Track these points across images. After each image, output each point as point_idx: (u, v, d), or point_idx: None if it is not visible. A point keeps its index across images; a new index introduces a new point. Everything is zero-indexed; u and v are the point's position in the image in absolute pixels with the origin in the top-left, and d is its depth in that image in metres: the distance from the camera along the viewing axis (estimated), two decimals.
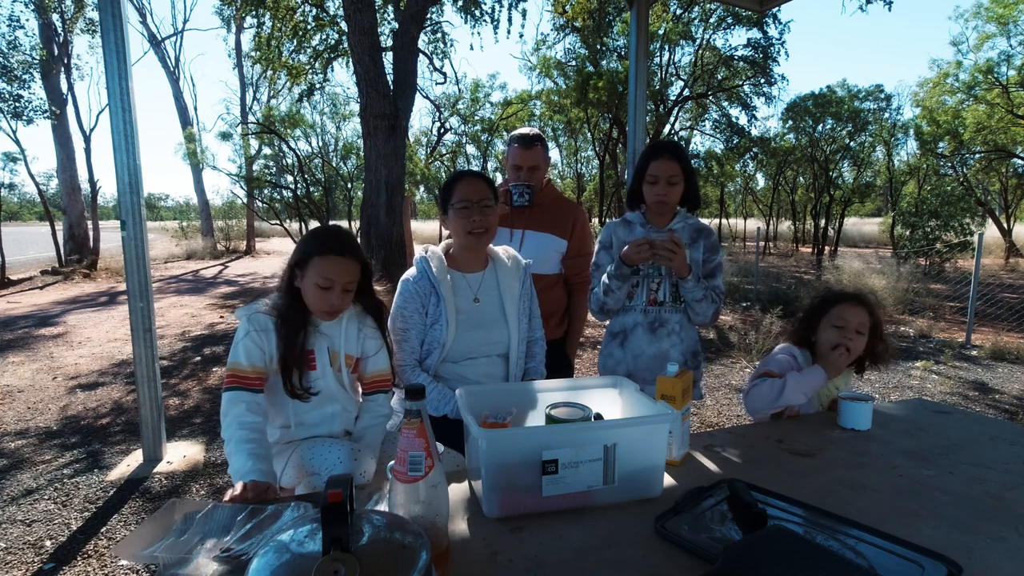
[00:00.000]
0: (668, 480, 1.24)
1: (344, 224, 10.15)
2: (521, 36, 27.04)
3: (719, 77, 14.74)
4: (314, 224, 9.88)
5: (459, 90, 14.82)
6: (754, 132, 16.00)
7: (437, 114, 14.40)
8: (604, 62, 13.20)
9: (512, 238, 2.25)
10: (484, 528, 1.07)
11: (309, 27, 8.85)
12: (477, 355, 1.71)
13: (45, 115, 11.75)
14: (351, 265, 1.47)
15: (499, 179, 1.99)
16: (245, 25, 14.93)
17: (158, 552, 0.93)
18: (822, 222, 18.41)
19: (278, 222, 10.41)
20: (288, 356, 1.46)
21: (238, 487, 1.21)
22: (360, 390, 1.68)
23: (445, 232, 1.79)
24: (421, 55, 7.97)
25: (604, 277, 1.90)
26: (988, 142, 14.99)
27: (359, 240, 7.06)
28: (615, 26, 12.80)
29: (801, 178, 21.14)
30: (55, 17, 12.58)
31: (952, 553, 0.95)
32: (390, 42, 7.05)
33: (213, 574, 0.90)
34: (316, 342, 1.52)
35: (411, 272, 1.70)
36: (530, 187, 2.20)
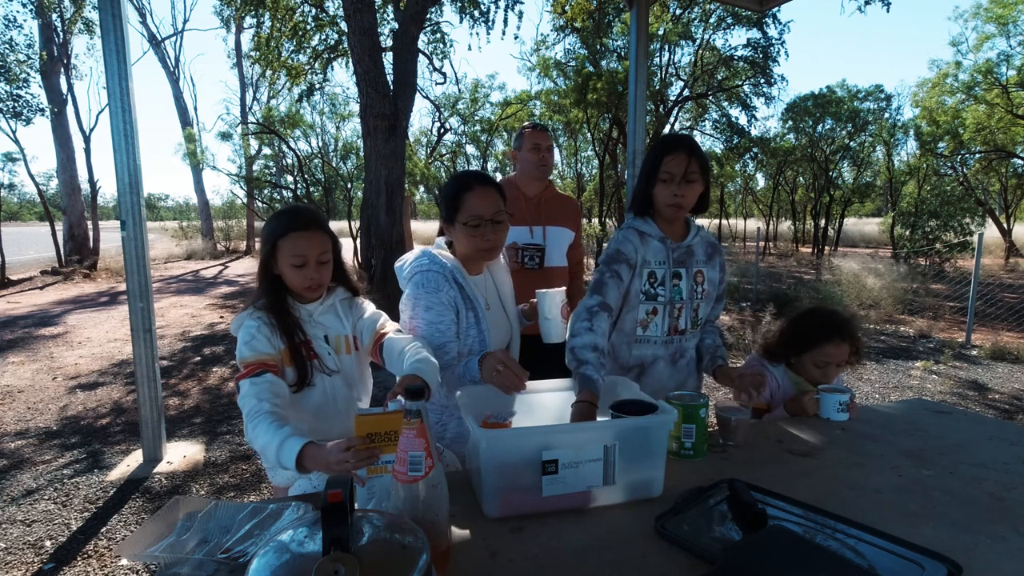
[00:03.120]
0: (668, 480, 1.23)
1: (344, 224, 10.12)
2: (516, 37, 27.05)
3: (719, 77, 14.74)
4: None
5: (459, 90, 14.84)
6: (754, 132, 16.00)
7: (437, 114, 14.40)
8: (604, 62, 13.19)
9: (533, 235, 2.37)
10: (484, 528, 1.07)
11: (309, 27, 8.85)
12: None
13: (43, 113, 11.74)
14: (317, 236, 1.45)
15: (498, 178, 1.98)
16: (245, 25, 14.92)
17: (159, 552, 0.93)
18: (822, 222, 18.42)
19: None
20: (296, 341, 1.46)
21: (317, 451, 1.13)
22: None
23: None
24: (421, 55, 7.97)
25: (579, 358, 1.48)
26: (988, 142, 14.98)
27: (359, 240, 7.05)
28: (615, 27, 12.80)
29: (801, 178, 21.14)
30: (54, 17, 12.58)
31: (952, 553, 0.95)
32: (390, 42, 7.04)
33: (213, 574, 0.90)
34: (312, 332, 1.51)
35: (423, 279, 1.51)
36: (540, 251, 2.37)
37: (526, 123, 2.52)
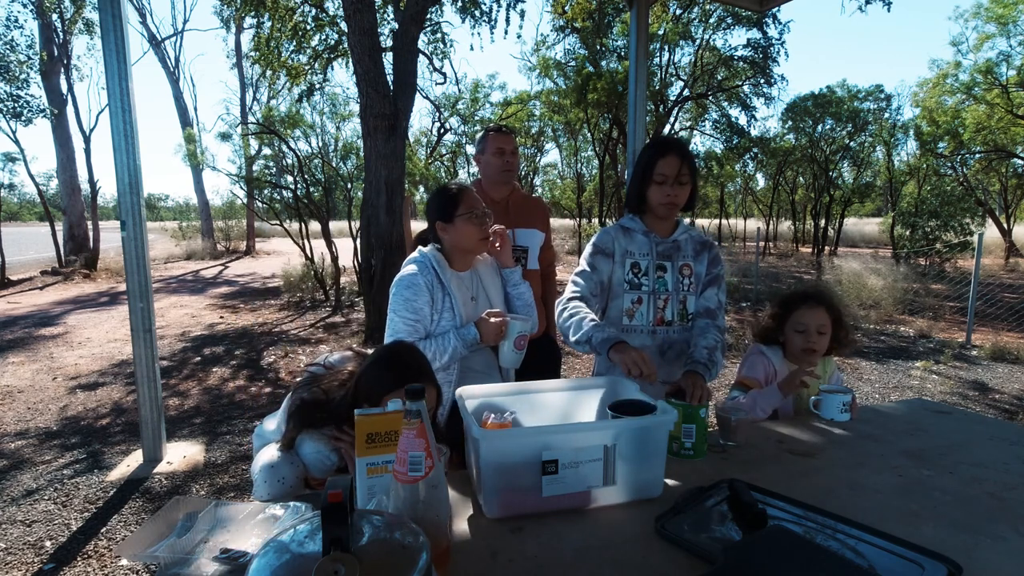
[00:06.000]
0: (668, 480, 1.24)
1: (344, 224, 10.13)
2: (519, 36, 26.98)
3: (719, 77, 14.73)
4: (314, 224, 9.85)
5: (459, 90, 14.80)
6: (754, 132, 15.99)
7: (437, 114, 14.37)
8: (604, 62, 13.19)
9: None
10: (484, 528, 1.07)
11: (309, 27, 8.84)
12: (476, 347, 1.77)
13: (44, 115, 11.75)
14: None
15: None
16: (245, 25, 14.91)
17: (159, 552, 0.93)
18: (822, 222, 18.40)
19: (278, 222, 10.38)
20: None
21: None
22: None
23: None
24: (421, 55, 7.97)
25: (584, 331, 1.59)
26: (988, 142, 14.96)
27: (359, 240, 7.03)
28: (615, 27, 12.79)
29: (801, 178, 21.13)
30: (54, 18, 12.58)
31: (952, 553, 0.95)
32: (390, 42, 7.04)
33: (213, 574, 0.90)
34: None
35: (411, 268, 1.72)
36: (524, 252, 2.37)
37: (490, 126, 2.49)
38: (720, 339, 1.71)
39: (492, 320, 1.68)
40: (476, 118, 15.36)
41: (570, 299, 1.73)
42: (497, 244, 1.82)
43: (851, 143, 17.66)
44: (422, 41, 8.47)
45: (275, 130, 9.75)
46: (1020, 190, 19.28)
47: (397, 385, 1.34)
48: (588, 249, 1.82)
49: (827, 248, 18.45)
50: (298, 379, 1.58)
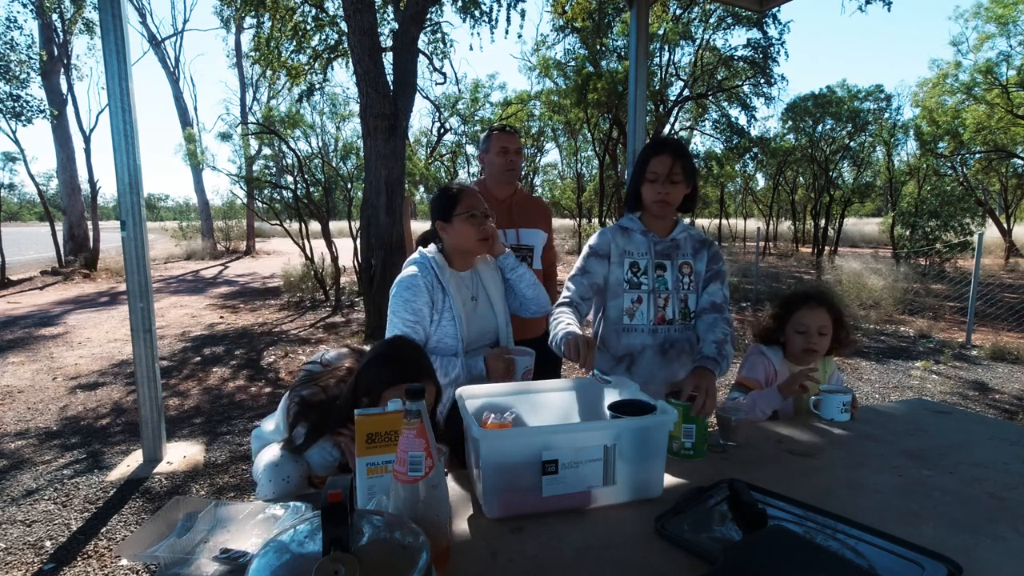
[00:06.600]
0: (668, 480, 1.24)
1: (344, 224, 10.13)
2: (520, 36, 26.95)
3: (719, 77, 14.73)
4: (314, 224, 9.83)
5: (459, 90, 14.79)
6: (754, 132, 15.98)
7: (437, 114, 14.36)
8: (604, 62, 13.18)
9: (506, 237, 2.33)
10: (484, 528, 1.07)
11: (309, 27, 8.83)
12: (476, 346, 1.79)
13: (44, 115, 11.76)
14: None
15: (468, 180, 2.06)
16: (245, 25, 14.92)
17: (159, 552, 0.94)
18: (822, 222, 18.40)
19: (278, 222, 10.38)
20: None
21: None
22: None
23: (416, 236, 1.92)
24: (421, 55, 7.96)
25: (560, 332, 1.58)
26: (988, 142, 14.95)
27: (359, 240, 7.03)
28: (615, 27, 12.79)
29: (801, 178, 21.12)
30: (54, 17, 12.58)
31: (952, 553, 0.95)
32: (390, 42, 7.04)
33: (213, 574, 0.90)
34: None
35: (411, 270, 1.72)
36: (531, 251, 2.39)
37: (494, 125, 2.51)
38: (728, 331, 1.71)
39: (499, 362, 1.65)
40: (476, 118, 15.35)
41: (558, 305, 1.75)
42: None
43: (851, 143, 17.65)
44: (422, 41, 8.47)
45: (275, 130, 9.75)
46: (1020, 190, 19.28)
47: (397, 380, 1.34)
48: (584, 251, 1.84)
49: (827, 248, 18.44)
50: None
